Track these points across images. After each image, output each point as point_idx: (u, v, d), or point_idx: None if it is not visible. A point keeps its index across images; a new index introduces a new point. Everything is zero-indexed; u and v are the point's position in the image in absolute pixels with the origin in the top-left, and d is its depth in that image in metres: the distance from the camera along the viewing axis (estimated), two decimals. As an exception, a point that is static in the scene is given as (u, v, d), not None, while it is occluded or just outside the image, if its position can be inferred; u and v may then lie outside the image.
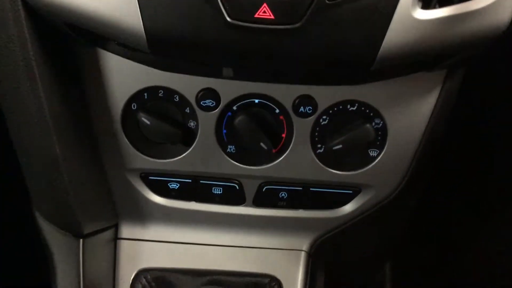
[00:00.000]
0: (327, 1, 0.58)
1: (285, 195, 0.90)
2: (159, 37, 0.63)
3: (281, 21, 0.59)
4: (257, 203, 0.92)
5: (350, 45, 0.62)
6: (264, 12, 0.59)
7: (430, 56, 0.67)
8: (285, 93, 0.79)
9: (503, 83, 0.96)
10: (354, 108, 0.80)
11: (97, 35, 0.69)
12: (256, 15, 0.59)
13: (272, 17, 0.59)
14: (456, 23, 0.62)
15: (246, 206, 0.92)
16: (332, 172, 0.86)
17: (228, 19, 0.59)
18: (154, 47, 0.64)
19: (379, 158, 0.84)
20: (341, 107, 0.80)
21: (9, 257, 1.25)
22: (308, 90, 0.78)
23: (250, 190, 0.90)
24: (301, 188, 0.89)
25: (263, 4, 0.58)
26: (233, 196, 0.91)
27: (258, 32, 0.60)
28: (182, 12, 0.60)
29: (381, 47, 0.61)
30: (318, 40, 0.61)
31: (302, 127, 0.81)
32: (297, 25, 0.59)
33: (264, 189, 0.89)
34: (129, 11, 0.62)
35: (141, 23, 0.62)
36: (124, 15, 0.62)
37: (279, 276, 0.94)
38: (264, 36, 0.61)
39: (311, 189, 0.89)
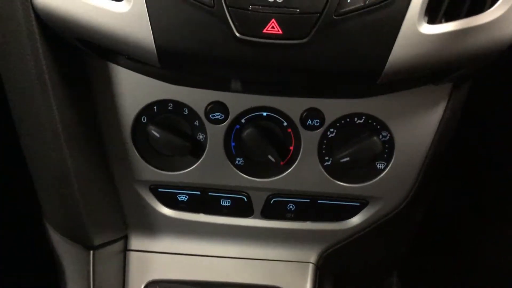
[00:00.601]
0: (334, 16, 0.59)
1: (293, 207, 0.90)
2: (169, 51, 0.64)
3: (289, 36, 0.60)
4: (265, 215, 0.92)
5: (357, 59, 0.63)
6: (273, 27, 0.60)
7: (436, 70, 0.68)
8: (292, 106, 0.80)
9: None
10: (361, 121, 0.81)
11: (108, 49, 0.70)
12: (264, 31, 0.60)
13: (280, 32, 0.60)
14: (462, 37, 0.63)
15: (254, 218, 0.93)
16: (339, 184, 0.86)
17: (237, 34, 0.60)
18: (164, 62, 0.65)
19: (386, 170, 0.85)
20: (348, 120, 0.81)
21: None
22: (316, 103, 0.79)
23: (258, 202, 0.91)
24: (308, 200, 0.90)
25: (271, 19, 0.59)
26: (242, 208, 0.91)
27: (267, 46, 0.61)
28: (192, 28, 0.61)
29: (388, 61, 0.62)
30: (326, 54, 0.62)
31: (310, 139, 0.82)
32: (305, 40, 0.60)
33: (272, 201, 0.90)
34: (140, 27, 0.63)
35: (152, 38, 0.63)
36: (135, 31, 0.63)
37: None
38: (272, 50, 0.62)
39: (318, 201, 0.89)
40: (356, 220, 0.93)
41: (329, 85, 0.74)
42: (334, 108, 0.79)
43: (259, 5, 0.59)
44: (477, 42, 0.64)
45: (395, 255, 1.15)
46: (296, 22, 0.60)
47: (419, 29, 0.61)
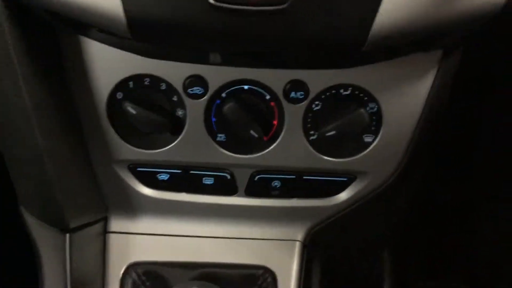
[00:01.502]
0: None
1: (278, 184, 0.88)
2: (139, 21, 0.60)
3: (267, 2, 0.57)
4: (249, 193, 0.89)
5: (340, 25, 0.59)
6: None
7: (424, 35, 0.65)
8: (275, 78, 0.76)
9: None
10: (348, 92, 0.78)
11: (77, 21, 0.66)
12: None
13: None
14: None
15: (238, 196, 0.90)
16: (326, 159, 0.83)
17: (211, 0, 0.56)
18: (135, 32, 0.62)
19: (374, 143, 0.82)
20: (334, 91, 0.78)
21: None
22: (299, 74, 0.76)
23: (242, 180, 0.88)
24: (294, 177, 0.87)
25: None
26: (225, 186, 0.88)
27: (243, 14, 0.57)
28: None
29: (373, 26, 0.59)
30: (307, 21, 0.58)
31: (294, 113, 0.79)
32: (284, 5, 0.57)
33: (256, 178, 0.87)
34: None
35: (121, 6, 0.59)
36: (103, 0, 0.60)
37: (273, 268, 0.92)
38: (249, 18, 0.58)
39: (304, 177, 0.87)
40: (343, 195, 0.90)
41: (313, 54, 0.71)
42: (318, 80, 0.76)
43: None
44: (466, 5, 0.61)
45: (386, 231, 1.13)
46: None
47: None
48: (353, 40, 0.61)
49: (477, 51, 0.80)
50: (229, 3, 0.57)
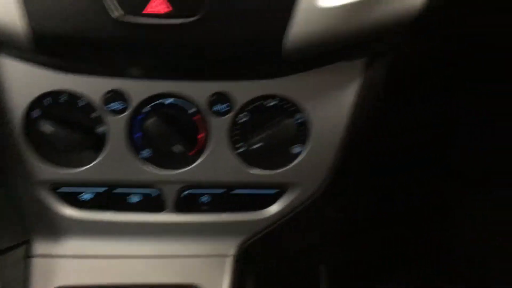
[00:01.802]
0: None
1: (207, 199, 0.85)
2: (44, 36, 0.58)
3: (177, 14, 0.55)
4: (178, 209, 0.86)
5: (253, 37, 0.58)
6: (157, 5, 0.54)
7: (340, 45, 0.64)
8: (199, 91, 0.74)
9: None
10: (274, 103, 0.76)
11: None
12: (146, 10, 0.54)
13: (167, 10, 0.54)
14: (364, 9, 0.59)
15: (167, 213, 0.87)
16: (255, 171, 0.82)
17: (113, 15, 0.54)
18: (40, 47, 0.59)
19: (302, 154, 0.81)
20: (260, 102, 0.76)
21: None
22: (223, 86, 0.74)
23: (169, 196, 0.85)
24: (224, 191, 0.85)
25: None
26: (152, 203, 0.85)
27: (150, 28, 0.55)
28: (68, 8, 0.56)
29: (287, 38, 0.58)
30: (219, 33, 0.57)
31: (219, 126, 0.77)
32: (195, 18, 0.55)
33: (184, 194, 0.84)
34: (9, 9, 0.56)
35: (25, 20, 0.57)
36: (4, 13, 0.57)
37: (203, 285, 0.89)
38: (157, 31, 0.56)
39: (234, 191, 0.85)
40: (275, 208, 0.88)
41: (234, 65, 0.69)
42: (243, 91, 0.74)
43: None
44: (380, 14, 0.60)
45: (321, 243, 1.12)
46: None
47: (317, 3, 0.57)
48: (267, 52, 0.60)
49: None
50: (134, 16, 0.54)
